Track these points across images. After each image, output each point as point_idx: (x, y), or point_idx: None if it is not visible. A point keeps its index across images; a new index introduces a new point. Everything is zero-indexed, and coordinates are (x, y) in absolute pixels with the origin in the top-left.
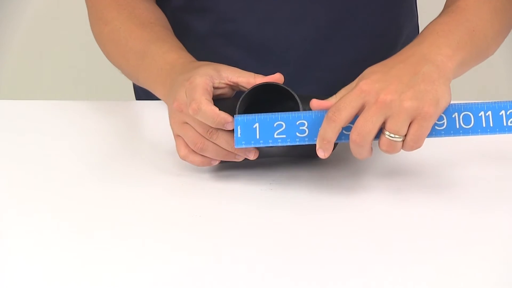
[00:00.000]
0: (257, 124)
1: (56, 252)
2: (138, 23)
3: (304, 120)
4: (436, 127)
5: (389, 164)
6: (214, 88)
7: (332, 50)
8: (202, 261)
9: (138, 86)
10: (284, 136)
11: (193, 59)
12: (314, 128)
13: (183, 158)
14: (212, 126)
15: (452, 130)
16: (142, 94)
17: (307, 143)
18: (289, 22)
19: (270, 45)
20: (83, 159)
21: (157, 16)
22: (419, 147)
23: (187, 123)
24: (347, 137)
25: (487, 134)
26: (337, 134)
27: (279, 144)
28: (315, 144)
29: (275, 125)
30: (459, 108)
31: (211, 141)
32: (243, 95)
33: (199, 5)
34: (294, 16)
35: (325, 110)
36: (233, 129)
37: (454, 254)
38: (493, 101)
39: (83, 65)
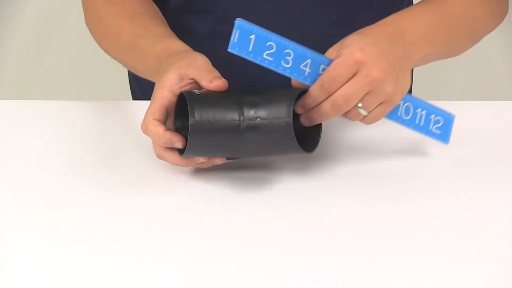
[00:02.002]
0: (253, 36)
1: (55, 253)
2: (127, 16)
3: (291, 50)
4: None
5: (389, 163)
6: (184, 86)
7: None
8: (202, 261)
9: (135, 85)
10: (271, 59)
11: (175, 49)
12: (296, 63)
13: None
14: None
15: (394, 116)
16: (139, 93)
17: (288, 75)
18: (289, 22)
19: None
20: (81, 159)
21: (148, 6)
22: (371, 123)
23: None
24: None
25: (416, 131)
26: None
27: (265, 65)
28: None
29: (267, 44)
30: (404, 98)
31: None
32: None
33: (198, 6)
34: (294, 16)
35: (310, 50)
36: (178, 151)
37: (456, 253)
38: (432, 102)
39: (81, 65)
